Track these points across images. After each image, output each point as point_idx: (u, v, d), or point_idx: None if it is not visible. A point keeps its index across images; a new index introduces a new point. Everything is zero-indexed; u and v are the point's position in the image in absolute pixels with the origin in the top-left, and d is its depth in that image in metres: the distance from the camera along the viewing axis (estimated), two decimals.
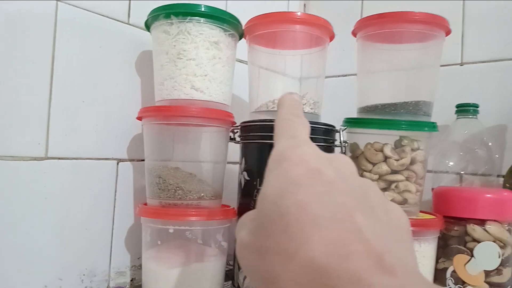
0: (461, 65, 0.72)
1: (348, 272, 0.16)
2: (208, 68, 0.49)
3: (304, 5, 0.92)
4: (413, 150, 0.51)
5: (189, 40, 0.48)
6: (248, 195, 0.51)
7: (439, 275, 0.53)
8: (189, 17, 0.48)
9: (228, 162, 0.62)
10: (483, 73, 0.69)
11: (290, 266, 0.18)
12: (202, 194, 0.49)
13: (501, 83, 0.67)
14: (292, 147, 0.21)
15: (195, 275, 0.47)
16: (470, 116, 0.64)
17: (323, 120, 0.81)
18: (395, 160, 0.51)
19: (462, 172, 0.64)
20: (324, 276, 0.16)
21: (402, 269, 0.16)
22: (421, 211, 0.55)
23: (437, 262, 0.54)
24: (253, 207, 0.50)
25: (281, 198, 0.19)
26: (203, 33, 0.48)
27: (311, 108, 0.52)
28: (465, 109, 0.64)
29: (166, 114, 0.48)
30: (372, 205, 0.19)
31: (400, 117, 0.52)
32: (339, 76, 0.84)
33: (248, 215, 0.22)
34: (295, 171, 0.20)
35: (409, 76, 0.53)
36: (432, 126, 0.52)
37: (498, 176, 0.62)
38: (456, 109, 0.65)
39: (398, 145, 0.52)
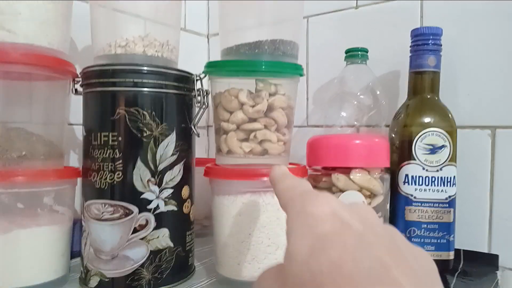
0: (356, 9, 0.66)
1: None
2: (22, 6, 0.41)
3: None
4: (270, 95, 0.46)
5: None
6: (86, 154, 0.45)
7: None
8: None
9: None
10: (377, 15, 0.64)
11: None
12: (24, 153, 0.42)
13: (393, 25, 0.62)
14: (310, 200, 0.21)
15: (18, 243, 0.42)
16: (359, 62, 0.59)
17: None
18: (251, 106, 0.46)
19: (356, 123, 0.60)
20: None
21: None
22: (291, 163, 0.51)
23: None
24: (91, 167, 0.45)
25: (311, 257, 0.18)
26: None
27: (156, 51, 0.46)
28: (353, 55, 0.59)
29: None
30: (402, 254, 0.18)
31: (256, 57, 0.46)
32: None
33: (270, 273, 0.22)
34: (322, 227, 0.19)
35: (263, 12, 0.47)
36: (294, 68, 0.47)
37: (386, 126, 0.58)
38: (345, 55, 0.60)
39: (257, 90, 0.47)
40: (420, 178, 0.49)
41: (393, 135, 0.54)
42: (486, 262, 0.53)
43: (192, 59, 0.81)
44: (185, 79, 0.47)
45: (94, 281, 0.43)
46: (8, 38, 0.41)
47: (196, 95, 0.48)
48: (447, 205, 0.49)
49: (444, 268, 0.49)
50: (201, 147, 0.85)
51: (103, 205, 0.43)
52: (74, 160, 0.60)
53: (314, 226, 0.19)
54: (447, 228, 0.49)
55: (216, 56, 0.50)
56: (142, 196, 0.43)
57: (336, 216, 0.19)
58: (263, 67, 0.45)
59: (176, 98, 0.46)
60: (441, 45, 0.52)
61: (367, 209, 0.22)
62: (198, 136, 0.48)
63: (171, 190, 0.45)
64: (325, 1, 0.69)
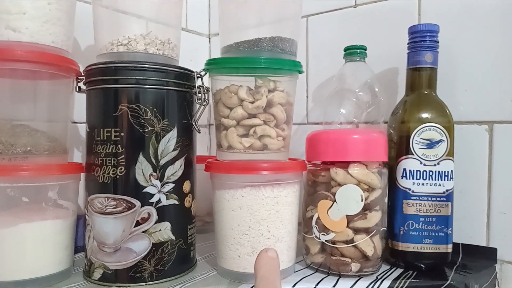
0: (355, 7, 0.67)
1: None
2: (27, 5, 0.43)
3: None
4: (270, 91, 0.47)
5: None
6: (89, 149, 0.46)
7: (308, 223, 0.50)
8: None
9: None
10: (376, 13, 0.65)
11: None
12: (29, 148, 0.43)
13: (391, 23, 0.63)
14: None
15: (24, 236, 0.43)
16: (358, 59, 0.60)
17: None
18: (250, 102, 0.47)
19: (355, 120, 0.61)
20: None
21: None
22: (290, 159, 0.52)
23: (307, 210, 0.51)
24: (95, 162, 0.45)
25: None
26: None
27: (157, 49, 0.47)
28: (352, 52, 0.60)
29: None
30: None
31: (255, 54, 0.47)
32: None
33: None
34: None
35: (263, 10, 0.48)
36: (293, 65, 0.48)
37: (385, 122, 0.59)
38: (344, 52, 0.61)
39: (256, 87, 0.48)
40: (418, 172, 0.50)
41: (391, 131, 0.55)
42: (485, 256, 0.54)
43: (193, 59, 0.82)
44: (186, 77, 0.48)
45: (97, 273, 0.44)
46: (14, 36, 0.43)
47: (197, 92, 0.49)
48: (445, 199, 0.50)
49: (442, 261, 0.50)
50: (203, 145, 0.86)
51: (106, 199, 0.44)
52: (78, 157, 0.61)
53: None
54: (445, 221, 0.49)
55: (218, 56, 0.52)
56: (144, 190, 0.44)
57: None
58: (262, 64, 0.46)
59: (177, 95, 0.47)
60: (438, 42, 0.53)
61: None
62: (199, 132, 0.49)
63: (172, 185, 0.46)
64: (325, 0, 0.70)
